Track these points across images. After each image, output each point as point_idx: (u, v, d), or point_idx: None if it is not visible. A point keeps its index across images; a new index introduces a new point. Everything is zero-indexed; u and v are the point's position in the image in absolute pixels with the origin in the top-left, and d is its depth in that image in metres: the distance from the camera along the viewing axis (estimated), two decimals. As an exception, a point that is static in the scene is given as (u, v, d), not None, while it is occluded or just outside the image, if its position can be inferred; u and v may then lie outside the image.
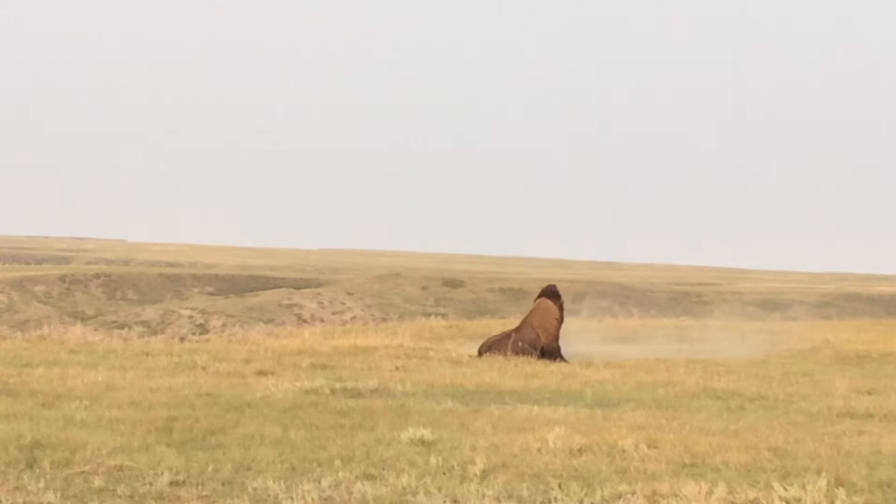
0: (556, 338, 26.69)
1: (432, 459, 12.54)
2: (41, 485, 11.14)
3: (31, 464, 12.03)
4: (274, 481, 11.40)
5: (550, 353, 26.36)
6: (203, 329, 57.05)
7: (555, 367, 24.07)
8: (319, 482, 11.43)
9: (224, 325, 56.76)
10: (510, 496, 11.12)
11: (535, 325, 26.90)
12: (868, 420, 16.50)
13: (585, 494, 11.15)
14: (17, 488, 11.08)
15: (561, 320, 26.98)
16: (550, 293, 27.46)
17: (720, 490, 11.18)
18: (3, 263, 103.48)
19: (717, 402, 18.43)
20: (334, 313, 69.84)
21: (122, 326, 49.92)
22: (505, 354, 25.94)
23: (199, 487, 11.28)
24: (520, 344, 26.52)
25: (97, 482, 11.33)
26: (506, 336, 27.23)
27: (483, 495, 11.05)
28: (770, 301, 77.38)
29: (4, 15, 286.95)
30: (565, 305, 27.58)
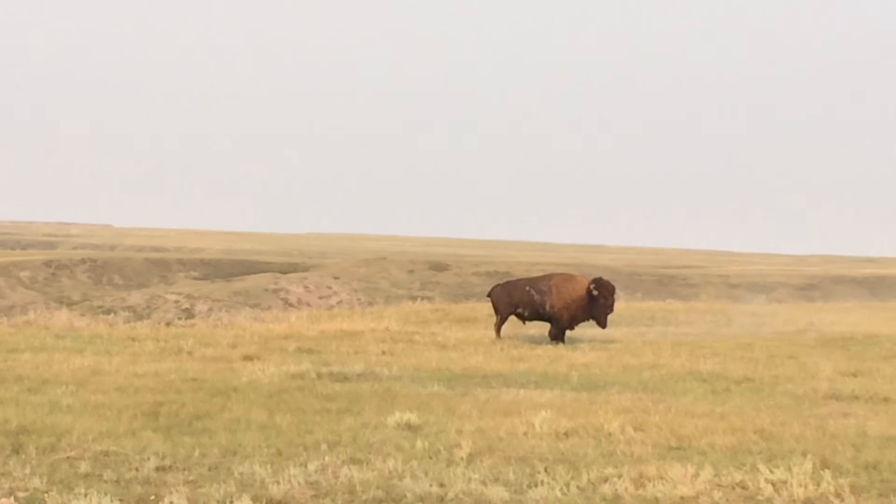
0: (569, 307, 25.86)
1: (419, 443, 12.54)
2: (27, 470, 11.11)
3: (16, 449, 12.00)
4: (260, 466, 11.38)
5: (557, 319, 25.91)
6: (189, 314, 56.91)
7: (541, 350, 24.06)
8: (306, 466, 11.42)
9: (210, 309, 56.65)
10: (496, 480, 11.12)
11: (553, 282, 26.40)
12: (853, 402, 16.53)
13: (572, 478, 11.16)
14: (2, 474, 11.04)
15: (587, 298, 25.67)
16: (595, 279, 26.37)
17: (706, 473, 11.20)
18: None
19: (702, 384, 18.45)
20: (321, 297, 69.79)
21: (107, 311, 49.83)
22: (510, 295, 26.34)
23: (186, 472, 11.27)
24: (527, 289, 26.39)
25: (83, 467, 11.31)
26: (524, 280, 27.37)
27: (469, 479, 11.05)
28: (756, 283, 77.50)
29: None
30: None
